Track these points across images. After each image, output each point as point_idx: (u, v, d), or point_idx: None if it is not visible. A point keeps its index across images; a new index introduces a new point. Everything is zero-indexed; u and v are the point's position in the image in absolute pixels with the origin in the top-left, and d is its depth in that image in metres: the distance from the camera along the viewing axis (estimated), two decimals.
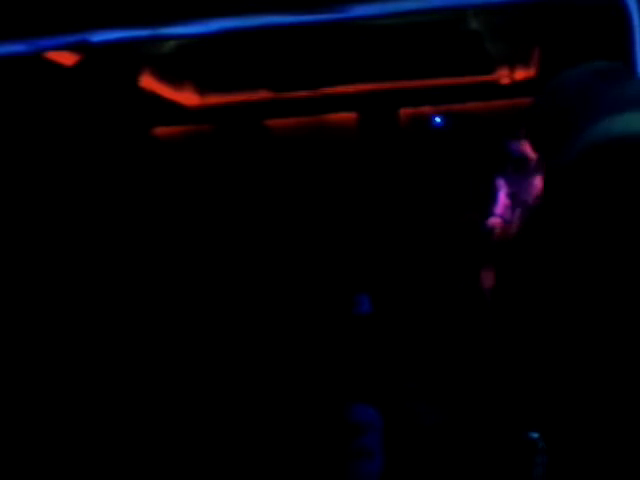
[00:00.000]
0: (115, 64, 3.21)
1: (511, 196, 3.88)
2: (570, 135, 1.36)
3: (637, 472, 1.33)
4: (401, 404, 3.00)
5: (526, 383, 1.45)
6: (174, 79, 4.16)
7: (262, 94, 4.29)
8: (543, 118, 1.43)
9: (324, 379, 3.09)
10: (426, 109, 4.38)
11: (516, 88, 4.21)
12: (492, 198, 3.95)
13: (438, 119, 4.35)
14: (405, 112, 4.47)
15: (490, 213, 3.91)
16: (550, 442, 1.43)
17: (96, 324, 2.87)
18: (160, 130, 4.10)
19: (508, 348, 1.48)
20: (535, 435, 1.46)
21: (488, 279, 3.78)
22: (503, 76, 4.23)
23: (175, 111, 4.28)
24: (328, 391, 3.02)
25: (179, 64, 3.89)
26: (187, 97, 4.33)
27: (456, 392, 3.00)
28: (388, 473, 2.76)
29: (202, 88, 4.31)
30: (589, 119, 1.34)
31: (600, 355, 1.34)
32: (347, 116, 4.46)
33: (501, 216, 3.85)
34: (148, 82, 3.90)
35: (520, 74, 4.20)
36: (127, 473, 2.72)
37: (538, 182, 3.73)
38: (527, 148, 3.93)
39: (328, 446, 2.86)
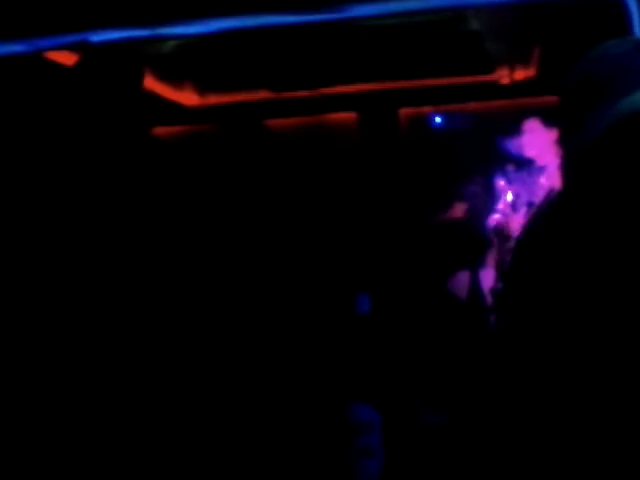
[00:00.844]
0: (115, 64, 3.20)
1: (513, 195, 3.88)
2: (601, 107, 1.35)
3: (637, 472, 1.33)
4: (401, 404, 3.00)
5: (527, 383, 1.45)
6: (174, 79, 4.16)
7: (262, 94, 4.29)
8: (577, 88, 1.42)
9: (324, 379, 3.09)
10: (426, 109, 4.38)
11: (516, 88, 4.21)
12: (494, 197, 3.95)
13: (438, 119, 4.35)
14: (405, 112, 4.47)
15: (492, 212, 3.91)
16: (549, 442, 1.43)
17: (96, 324, 2.87)
18: (160, 130, 4.10)
19: (511, 347, 1.48)
20: (534, 435, 1.46)
21: (488, 279, 3.79)
22: (503, 76, 4.22)
23: (175, 111, 4.28)
24: (328, 391, 3.02)
25: (179, 64, 3.89)
26: (187, 97, 4.33)
27: (456, 392, 3.00)
28: (388, 473, 2.76)
29: (202, 88, 4.31)
30: (621, 92, 1.33)
31: (608, 355, 1.34)
32: (347, 116, 4.46)
33: (503, 214, 3.86)
34: (148, 82, 3.90)
35: (520, 74, 4.20)
36: (127, 473, 2.71)
37: (543, 181, 3.74)
38: (526, 148, 3.94)
39: (328, 446, 2.86)
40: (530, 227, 1.58)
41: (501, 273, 3.66)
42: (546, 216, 1.52)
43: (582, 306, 1.36)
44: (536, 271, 1.44)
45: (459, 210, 4.03)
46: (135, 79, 2.88)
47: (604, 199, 1.36)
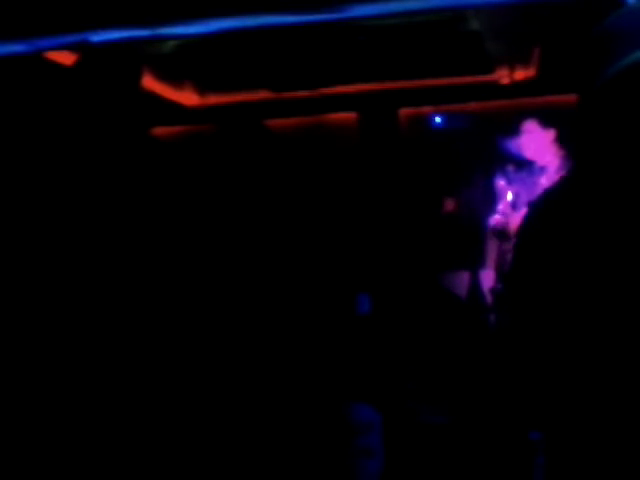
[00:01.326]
0: (115, 64, 3.20)
1: (513, 195, 3.89)
2: (610, 62, 1.36)
3: (637, 472, 1.32)
4: (401, 404, 3.00)
5: (528, 383, 1.45)
6: (174, 79, 4.16)
7: (262, 94, 4.29)
8: (595, 42, 1.43)
9: (324, 379, 3.09)
10: (426, 109, 4.38)
11: (516, 88, 4.21)
12: (494, 197, 3.95)
13: (438, 119, 4.35)
14: (405, 112, 4.47)
15: (493, 212, 3.92)
16: (550, 442, 1.43)
17: (95, 324, 2.87)
18: (160, 130, 4.10)
19: (511, 345, 1.48)
20: (535, 436, 1.45)
21: (488, 279, 3.79)
22: (503, 76, 4.22)
23: (175, 111, 4.28)
24: (328, 391, 3.01)
25: (179, 64, 3.88)
26: (187, 97, 4.33)
27: (456, 392, 3.00)
28: (388, 473, 2.76)
29: (202, 88, 4.31)
30: (632, 48, 1.34)
31: (610, 350, 1.34)
32: (347, 116, 4.46)
33: (503, 214, 3.86)
34: (148, 82, 3.90)
35: (520, 74, 4.20)
36: (127, 473, 2.71)
37: (543, 181, 3.74)
38: (526, 148, 3.94)
39: (328, 446, 2.86)
40: (530, 220, 1.57)
41: (501, 273, 3.66)
42: (545, 209, 1.52)
43: (584, 302, 1.36)
44: (537, 268, 1.44)
45: (449, 205, 4.04)
46: (131, 76, 2.87)
47: (604, 184, 1.36)
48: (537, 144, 3.86)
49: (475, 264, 3.77)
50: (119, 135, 3.05)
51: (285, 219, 3.81)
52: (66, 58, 3.17)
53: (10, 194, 2.87)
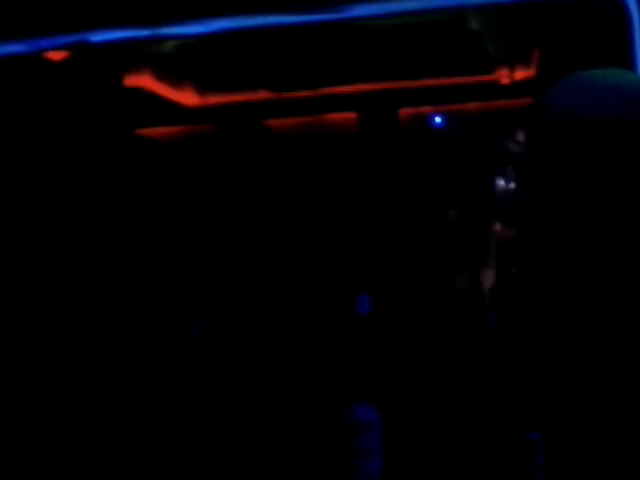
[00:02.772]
0: (111, 63, 3.20)
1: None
2: None
3: (637, 472, 1.32)
4: (401, 404, 3.00)
5: (526, 383, 1.45)
6: (174, 79, 4.16)
7: (262, 94, 4.29)
8: None
9: (324, 379, 3.09)
10: (426, 109, 4.37)
11: (516, 88, 4.21)
12: (495, 198, 3.95)
13: (438, 119, 4.35)
14: (405, 112, 4.46)
15: (493, 213, 3.90)
16: (550, 443, 1.43)
17: (90, 325, 2.87)
18: (159, 130, 4.10)
19: (510, 349, 1.48)
20: (535, 436, 1.46)
21: (489, 280, 3.78)
22: (503, 76, 4.22)
23: (175, 111, 4.28)
24: (328, 391, 3.02)
25: (179, 64, 3.89)
26: (187, 97, 4.33)
27: (456, 392, 3.00)
28: (388, 473, 2.76)
29: (202, 88, 4.31)
30: None
31: (602, 357, 1.34)
32: (347, 116, 4.46)
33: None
34: (148, 82, 3.90)
35: (520, 74, 4.20)
36: (127, 473, 2.71)
37: None
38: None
39: (327, 446, 2.86)
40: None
41: (501, 273, 3.66)
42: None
43: (589, 308, 1.36)
44: (543, 271, 1.44)
45: (453, 215, 4.04)
46: (116, 75, 2.88)
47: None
48: None
49: (475, 264, 3.77)
50: (118, 135, 3.05)
51: (285, 219, 3.81)
52: (57, 55, 3.18)
53: (4, 193, 2.87)
